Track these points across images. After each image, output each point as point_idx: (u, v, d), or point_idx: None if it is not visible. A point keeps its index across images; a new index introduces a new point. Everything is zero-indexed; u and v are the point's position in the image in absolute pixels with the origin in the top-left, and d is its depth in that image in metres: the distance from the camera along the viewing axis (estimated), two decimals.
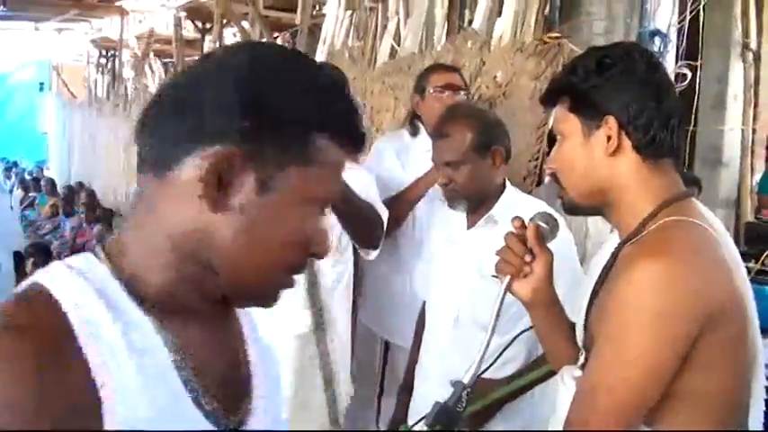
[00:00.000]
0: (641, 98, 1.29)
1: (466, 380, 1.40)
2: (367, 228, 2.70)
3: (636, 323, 1.19)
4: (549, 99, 1.43)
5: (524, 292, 1.50)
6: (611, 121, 1.30)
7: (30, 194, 12.94)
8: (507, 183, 2.32)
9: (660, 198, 1.30)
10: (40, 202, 11.99)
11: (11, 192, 13.04)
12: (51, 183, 13.09)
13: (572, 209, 1.43)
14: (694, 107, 4.63)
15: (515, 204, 2.24)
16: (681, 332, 1.17)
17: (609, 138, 1.31)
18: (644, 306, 1.19)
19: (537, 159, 3.27)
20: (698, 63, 4.58)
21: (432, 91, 3.03)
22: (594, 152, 1.32)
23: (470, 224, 2.30)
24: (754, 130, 5.22)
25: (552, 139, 3.38)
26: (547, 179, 4.37)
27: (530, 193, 3.28)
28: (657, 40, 4.54)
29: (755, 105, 5.24)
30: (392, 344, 3.16)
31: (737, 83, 5.02)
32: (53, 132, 17.38)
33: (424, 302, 2.54)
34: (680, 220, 1.26)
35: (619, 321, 1.22)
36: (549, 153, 3.62)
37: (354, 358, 3.05)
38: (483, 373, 1.51)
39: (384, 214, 2.71)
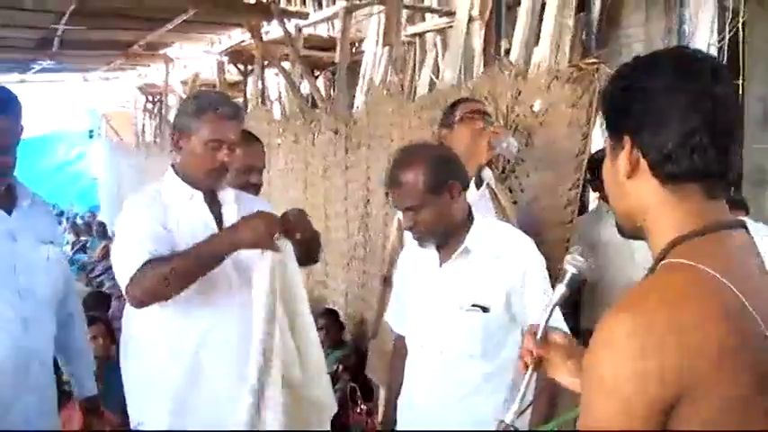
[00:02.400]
0: (658, 113, 1.14)
1: (508, 419, 1.42)
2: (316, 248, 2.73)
3: (594, 388, 1.08)
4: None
5: (559, 377, 1.47)
6: (626, 141, 1.18)
7: (81, 238, 13.22)
8: (473, 212, 2.35)
9: (677, 231, 1.15)
10: (92, 246, 12.24)
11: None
12: (102, 226, 13.35)
13: (620, 231, 1.33)
14: None
15: (486, 233, 2.30)
16: (640, 402, 1.03)
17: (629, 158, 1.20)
18: (600, 372, 1.07)
19: (577, 187, 3.23)
20: (740, 82, 4.51)
21: (459, 118, 3.01)
22: (618, 174, 1.21)
23: (443, 259, 2.32)
24: None
25: (592, 167, 3.39)
26: (592, 206, 4.34)
27: (570, 222, 3.26)
28: None
29: None
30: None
31: None
32: (103, 177, 17.80)
33: (397, 337, 2.57)
34: (679, 264, 1.10)
35: (585, 381, 1.12)
36: (589, 181, 3.66)
37: None
38: (525, 410, 1.51)
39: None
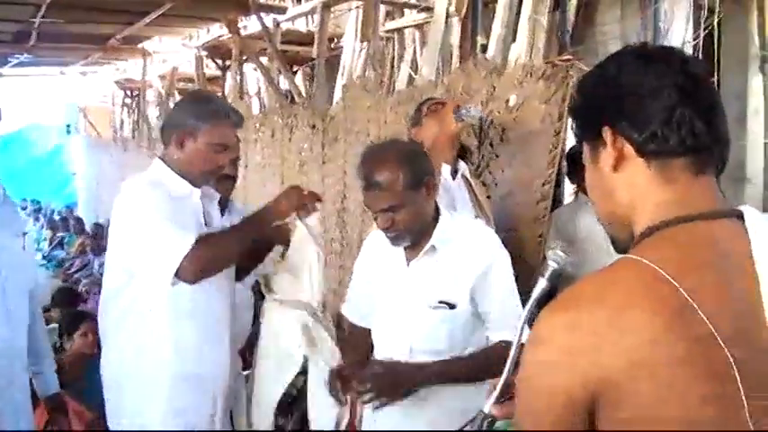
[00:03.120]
0: (633, 96, 1.13)
1: (486, 408, 1.42)
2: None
3: (519, 382, 1.12)
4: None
5: None
6: (607, 132, 1.16)
7: (58, 234, 13.12)
8: (440, 207, 2.33)
9: (656, 218, 1.12)
10: (69, 242, 12.15)
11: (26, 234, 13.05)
12: (80, 222, 13.26)
13: (614, 245, 1.29)
14: None
15: (453, 230, 2.28)
16: (559, 400, 1.04)
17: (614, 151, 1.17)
18: (525, 367, 1.11)
19: (550, 183, 3.25)
20: (715, 79, 4.53)
21: (426, 113, 3.05)
22: (604, 173, 1.18)
23: (410, 257, 2.30)
24: None
25: (571, 159, 3.40)
26: (567, 201, 4.36)
27: (544, 217, 3.28)
28: None
29: None
30: None
31: (757, 97, 4.95)
32: (81, 173, 17.65)
33: (357, 329, 2.59)
34: (633, 261, 1.07)
35: (520, 370, 1.15)
36: (569, 173, 3.67)
37: None
38: (504, 401, 1.51)
39: None
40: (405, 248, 2.31)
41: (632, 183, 1.16)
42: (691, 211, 1.10)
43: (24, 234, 2.75)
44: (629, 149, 1.14)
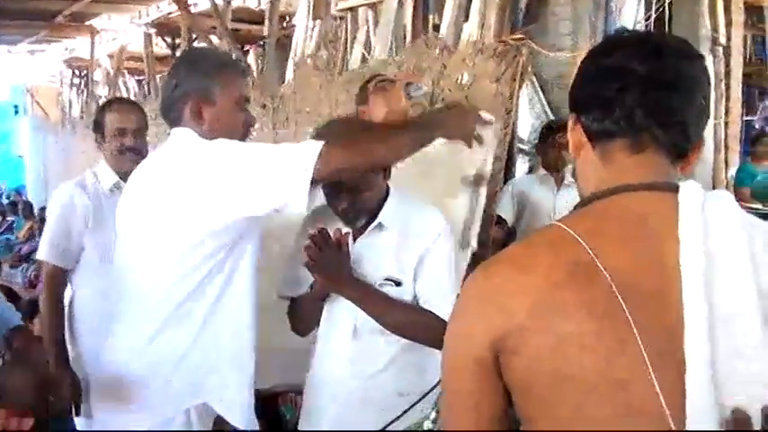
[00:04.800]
0: (589, 83, 1.20)
1: None
2: None
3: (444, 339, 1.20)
4: None
5: None
6: (571, 118, 1.24)
7: (7, 218, 12.81)
8: (389, 185, 2.25)
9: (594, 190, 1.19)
10: (17, 226, 11.87)
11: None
12: (28, 206, 12.95)
13: None
14: None
15: (401, 208, 2.21)
16: (469, 349, 1.11)
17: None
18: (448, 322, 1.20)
19: (501, 161, 3.22)
20: None
21: (372, 90, 2.98)
22: (576, 158, 1.26)
23: (357, 234, 2.22)
24: (726, 124, 5.22)
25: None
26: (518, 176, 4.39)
27: (495, 195, 3.25)
28: None
29: (727, 99, 5.24)
30: None
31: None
32: (29, 155, 17.26)
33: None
34: (550, 225, 1.15)
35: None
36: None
37: None
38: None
39: None
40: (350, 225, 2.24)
41: (585, 165, 1.22)
42: (621, 182, 1.15)
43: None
44: (582, 134, 1.20)
